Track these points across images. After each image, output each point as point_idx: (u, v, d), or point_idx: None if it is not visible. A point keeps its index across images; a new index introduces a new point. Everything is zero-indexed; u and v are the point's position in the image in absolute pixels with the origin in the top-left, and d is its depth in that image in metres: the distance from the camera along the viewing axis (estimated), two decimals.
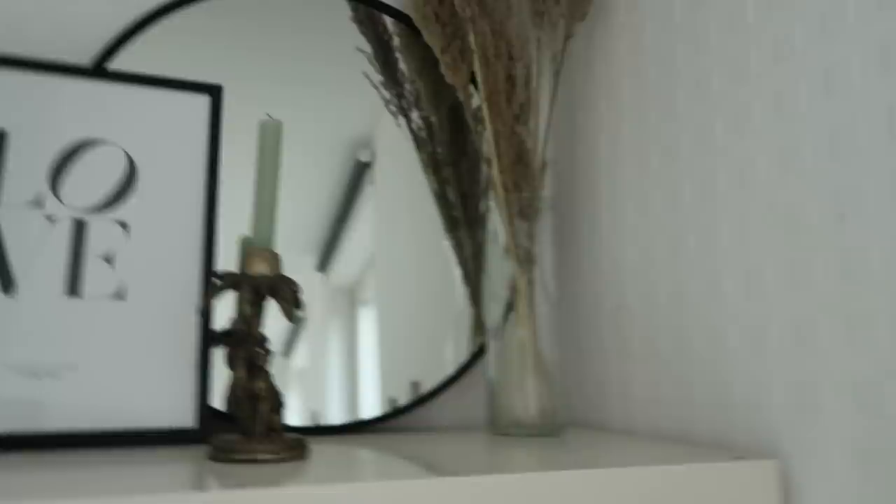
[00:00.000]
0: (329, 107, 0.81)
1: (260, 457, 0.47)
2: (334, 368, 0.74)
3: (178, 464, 0.47)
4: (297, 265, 0.74)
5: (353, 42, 0.82)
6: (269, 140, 0.53)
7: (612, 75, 0.75)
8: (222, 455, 0.48)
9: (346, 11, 0.82)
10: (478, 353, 0.78)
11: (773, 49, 0.54)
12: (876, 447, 0.44)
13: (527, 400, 0.65)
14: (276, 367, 0.65)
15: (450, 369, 0.76)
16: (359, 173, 0.81)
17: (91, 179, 0.62)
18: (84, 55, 0.70)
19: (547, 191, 0.86)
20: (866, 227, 0.46)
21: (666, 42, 0.66)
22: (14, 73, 0.62)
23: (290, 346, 0.73)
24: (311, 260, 0.76)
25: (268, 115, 0.54)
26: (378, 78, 0.83)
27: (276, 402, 0.51)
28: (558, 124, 0.86)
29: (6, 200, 0.59)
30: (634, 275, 0.70)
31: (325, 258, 0.77)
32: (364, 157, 0.82)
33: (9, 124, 0.61)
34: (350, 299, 0.77)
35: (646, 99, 0.69)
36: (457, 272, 0.81)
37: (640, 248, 0.69)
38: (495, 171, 0.71)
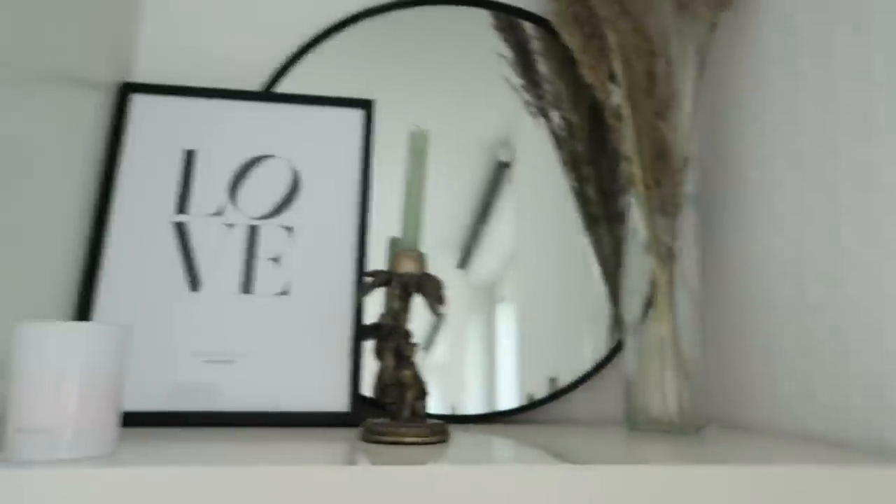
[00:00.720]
0: (470, 110, 0.84)
1: (406, 439, 0.51)
2: (473, 364, 0.77)
3: (334, 443, 0.52)
4: (438, 263, 0.78)
5: (493, 48, 0.85)
6: (418, 148, 0.57)
7: (760, 65, 0.72)
8: (372, 437, 0.52)
9: (488, 20, 0.85)
10: (615, 350, 0.78)
11: None
12: None
13: (665, 397, 0.65)
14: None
15: (587, 365, 0.77)
16: (498, 173, 0.84)
17: (262, 190, 0.70)
18: (255, 81, 0.79)
19: (689, 186, 0.84)
20: None
21: (820, 27, 0.63)
22: (199, 101, 0.72)
23: (430, 341, 0.77)
24: (452, 258, 0.80)
25: (416, 125, 0.58)
26: (518, 81, 0.86)
27: (421, 390, 0.55)
28: (702, 118, 0.84)
29: (194, 210, 0.68)
30: (785, 270, 0.67)
31: (466, 256, 0.81)
32: (504, 157, 0.85)
33: (196, 144, 0.70)
34: (489, 296, 0.80)
35: (798, 88, 0.66)
36: (595, 269, 0.81)
37: (792, 243, 0.66)
38: (636, 168, 0.71)
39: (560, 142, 0.85)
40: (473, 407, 0.75)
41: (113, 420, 0.44)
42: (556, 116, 0.86)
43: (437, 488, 0.42)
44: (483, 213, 0.82)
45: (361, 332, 0.66)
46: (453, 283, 0.78)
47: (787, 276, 0.66)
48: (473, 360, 0.76)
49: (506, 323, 0.78)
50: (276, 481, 0.40)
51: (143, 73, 0.78)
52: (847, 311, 0.58)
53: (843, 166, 0.59)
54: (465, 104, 0.85)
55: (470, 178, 0.83)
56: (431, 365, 0.76)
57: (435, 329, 0.77)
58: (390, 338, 0.57)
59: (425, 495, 0.41)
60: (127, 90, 0.71)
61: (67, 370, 0.42)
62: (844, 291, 0.58)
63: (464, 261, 0.80)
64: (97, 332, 0.44)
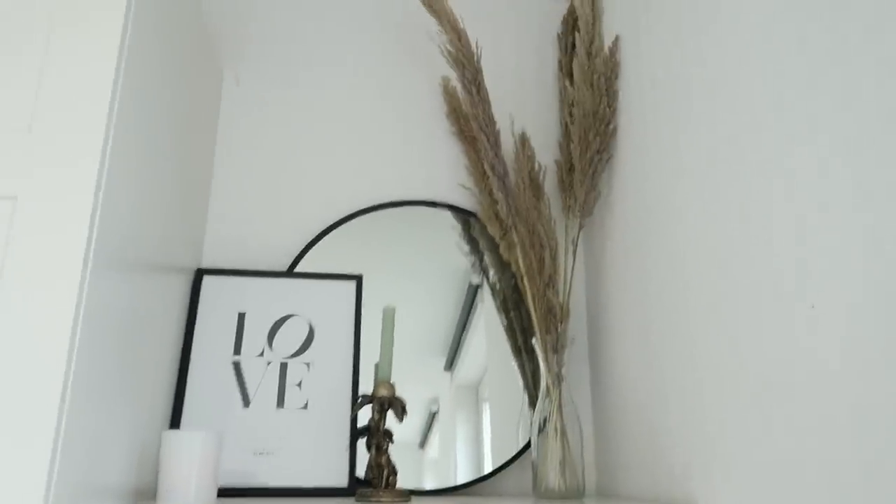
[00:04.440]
0: (447, 253, 1.21)
1: (383, 499, 0.85)
2: (461, 454, 1.10)
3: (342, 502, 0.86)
4: (429, 365, 1.13)
5: (451, 224, 1.24)
6: (388, 318, 0.94)
7: (614, 249, 1.11)
8: (363, 499, 0.86)
9: (448, 212, 1.25)
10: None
11: (695, 214, 0.89)
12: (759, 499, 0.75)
13: (556, 473, 0.99)
14: (412, 457, 1.04)
15: (513, 452, 1.11)
16: (472, 294, 1.21)
17: (289, 338, 1.06)
18: (283, 260, 1.17)
19: (570, 332, 1.21)
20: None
21: (642, 230, 1.02)
22: (247, 279, 1.09)
23: (425, 438, 1.11)
24: (440, 361, 1.15)
25: (388, 303, 0.95)
26: (465, 247, 1.24)
27: (393, 470, 0.89)
28: (593, 279, 1.22)
29: (245, 353, 1.04)
30: (636, 388, 1.03)
31: (452, 360, 1.15)
32: (475, 281, 1.21)
33: (245, 308, 1.07)
34: (474, 395, 1.14)
35: (630, 268, 1.04)
36: (521, 383, 1.17)
37: (639, 368, 1.02)
38: (534, 319, 1.08)
39: (495, 292, 1.23)
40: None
41: (214, 485, 0.78)
42: (491, 274, 1.24)
43: None
44: (462, 325, 1.18)
45: (357, 433, 1.01)
46: (441, 384, 1.13)
47: (637, 391, 1.02)
48: (462, 451, 1.10)
49: (486, 419, 1.12)
50: None
51: (207, 260, 1.16)
52: (669, 414, 0.93)
53: (655, 315, 0.96)
54: (442, 250, 1.22)
55: (450, 298, 1.19)
56: (427, 461, 1.09)
57: (429, 426, 1.11)
58: (374, 436, 0.91)
59: None
60: (199, 273, 1.09)
61: (193, 456, 0.77)
62: (667, 400, 0.94)
63: (449, 364, 1.15)
64: (207, 436, 0.79)
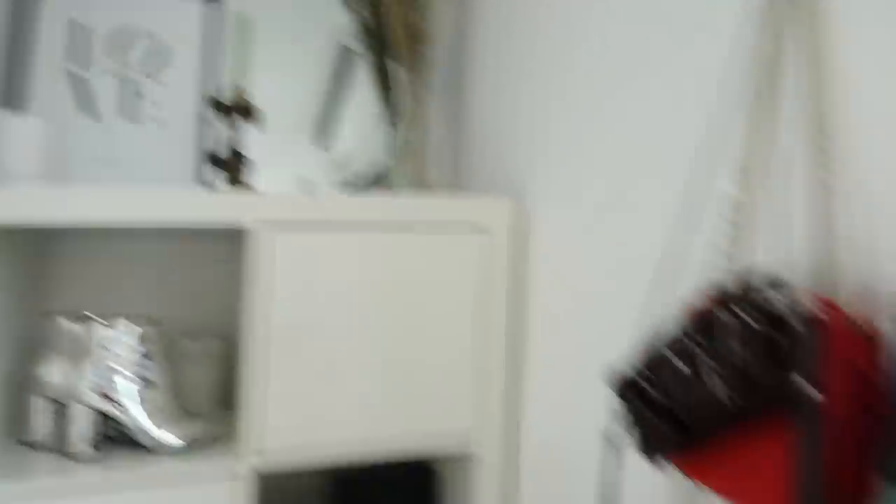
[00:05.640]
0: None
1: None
2: None
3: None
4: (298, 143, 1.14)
5: None
6: (241, 26, 0.92)
7: None
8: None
9: None
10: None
11: None
12: (571, 190, 0.82)
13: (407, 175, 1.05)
14: None
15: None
16: (347, 60, 1.18)
17: (136, 53, 1.03)
18: None
19: (431, 55, 1.21)
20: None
21: None
22: None
23: None
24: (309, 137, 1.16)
25: (243, 12, 0.93)
26: None
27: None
28: (464, 9, 1.21)
29: (88, 65, 1.01)
30: (491, 106, 1.07)
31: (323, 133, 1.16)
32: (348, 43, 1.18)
33: (85, 19, 1.02)
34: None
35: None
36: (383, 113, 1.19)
37: (495, 88, 1.06)
38: (398, 42, 1.08)
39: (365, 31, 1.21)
40: None
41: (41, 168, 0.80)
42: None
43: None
44: (335, 96, 1.17)
45: (209, 153, 1.02)
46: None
47: (486, 109, 1.07)
48: None
49: None
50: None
51: None
52: (516, 125, 0.98)
53: (517, 36, 0.98)
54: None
55: (322, 64, 1.16)
56: None
57: None
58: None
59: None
60: None
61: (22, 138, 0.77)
62: (515, 114, 0.99)
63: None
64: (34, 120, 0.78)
